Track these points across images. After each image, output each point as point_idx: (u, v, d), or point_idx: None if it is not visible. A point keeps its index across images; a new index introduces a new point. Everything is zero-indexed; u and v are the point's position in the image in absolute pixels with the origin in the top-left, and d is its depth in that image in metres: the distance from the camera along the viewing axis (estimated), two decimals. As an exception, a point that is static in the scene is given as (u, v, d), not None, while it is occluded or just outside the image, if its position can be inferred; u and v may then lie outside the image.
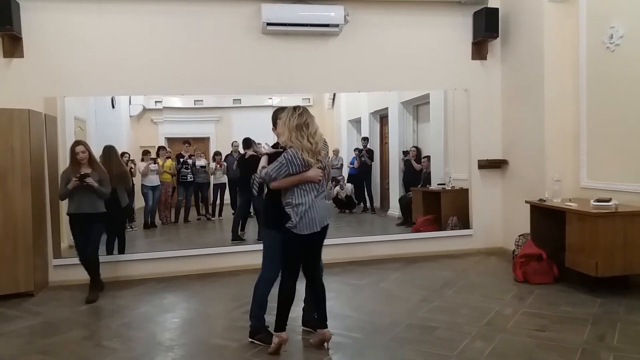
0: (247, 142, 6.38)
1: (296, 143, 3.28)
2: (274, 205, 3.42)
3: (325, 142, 3.47)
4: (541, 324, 3.81)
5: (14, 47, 5.28)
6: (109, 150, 5.49)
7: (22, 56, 5.32)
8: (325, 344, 3.48)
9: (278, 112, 3.57)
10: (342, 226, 7.45)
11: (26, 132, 4.91)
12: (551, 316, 3.99)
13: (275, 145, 3.58)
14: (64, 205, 5.57)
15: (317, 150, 3.34)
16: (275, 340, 3.37)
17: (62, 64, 5.42)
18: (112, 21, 5.54)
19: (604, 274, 4.36)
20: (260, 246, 3.59)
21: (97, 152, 6.24)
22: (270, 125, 3.72)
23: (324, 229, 3.41)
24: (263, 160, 3.45)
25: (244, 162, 6.31)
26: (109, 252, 5.65)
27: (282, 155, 3.29)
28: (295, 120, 3.30)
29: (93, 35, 5.50)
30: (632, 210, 4.43)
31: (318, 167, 3.34)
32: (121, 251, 5.72)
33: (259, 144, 6.39)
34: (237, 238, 6.29)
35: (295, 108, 3.37)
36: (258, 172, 3.40)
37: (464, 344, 3.46)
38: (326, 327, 3.49)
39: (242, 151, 6.75)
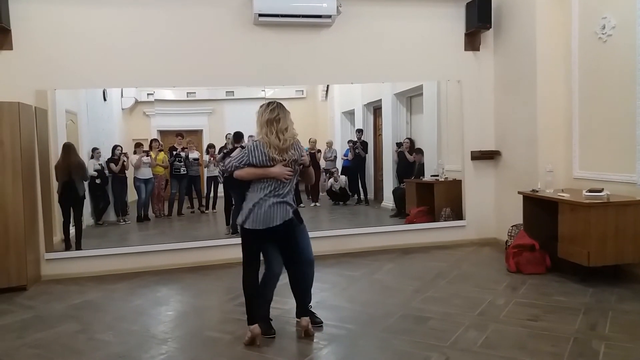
0: (238, 136, 6.34)
1: (265, 139, 3.31)
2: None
3: (299, 144, 3.44)
4: (534, 314, 3.83)
5: (3, 39, 5.21)
6: (67, 147, 5.70)
7: (11, 48, 5.25)
8: (306, 332, 3.51)
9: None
10: (336, 218, 7.47)
11: (16, 126, 4.86)
12: (544, 306, 4.01)
13: None
14: (55, 199, 5.57)
15: (285, 147, 3.33)
16: (247, 334, 3.41)
17: (52, 56, 5.36)
18: (102, 12, 5.48)
19: (595, 263, 4.38)
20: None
21: (89, 146, 6.31)
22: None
23: (280, 227, 3.38)
24: (236, 152, 3.47)
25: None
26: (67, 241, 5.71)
27: (246, 145, 3.34)
28: (267, 115, 3.33)
29: (83, 27, 5.44)
30: (624, 200, 4.45)
31: (284, 165, 3.34)
32: (77, 244, 5.69)
33: (250, 136, 6.37)
34: (237, 231, 6.26)
35: (269, 103, 3.40)
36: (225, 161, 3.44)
37: (457, 334, 3.48)
38: (306, 315, 3.56)
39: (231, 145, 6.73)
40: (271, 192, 3.34)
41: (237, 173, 3.38)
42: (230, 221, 6.33)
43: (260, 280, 3.52)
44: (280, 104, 3.42)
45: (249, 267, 3.45)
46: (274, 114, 3.33)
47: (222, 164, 3.52)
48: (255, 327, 3.40)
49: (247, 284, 3.45)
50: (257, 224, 3.33)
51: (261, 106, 3.45)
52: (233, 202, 6.35)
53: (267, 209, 3.33)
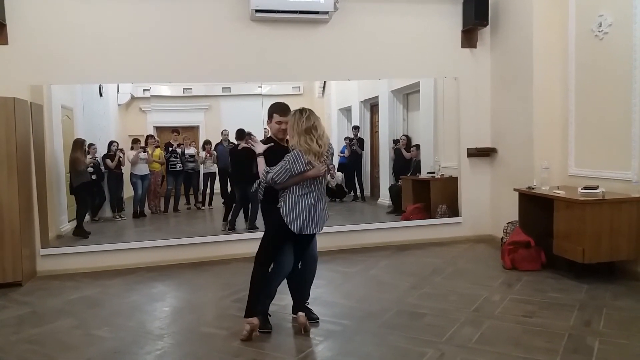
0: (241, 133, 6.33)
1: (304, 146, 3.36)
2: None
3: (330, 144, 3.57)
4: (529, 310, 3.85)
5: (-2, 33, 5.19)
6: (72, 142, 6.02)
7: (6, 43, 5.22)
8: (304, 328, 3.52)
9: (274, 107, 3.64)
10: (332, 215, 7.43)
11: (12, 121, 4.84)
12: (539, 302, 4.03)
13: (264, 141, 3.63)
14: (51, 194, 5.55)
15: (323, 152, 3.42)
16: (245, 328, 3.42)
17: (47, 51, 5.33)
18: (98, 7, 5.45)
19: (590, 260, 4.40)
20: (251, 235, 3.60)
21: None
22: (260, 114, 3.72)
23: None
24: (261, 163, 3.44)
25: (237, 154, 6.27)
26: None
27: (286, 157, 3.36)
28: (304, 124, 3.38)
29: (79, 22, 5.41)
30: (619, 198, 4.47)
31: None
32: (76, 231, 5.95)
33: (249, 133, 6.35)
34: (233, 228, 6.25)
35: (301, 111, 3.44)
36: (261, 177, 3.41)
37: (453, 330, 3.49)
38: (303, 311, 3.59)
39: (233, 141, 6.71)
40: (312, 193, 3.44)
41: (279, 186, 3.43)
42: (230, 217, 6.32)
43: (267, 276, 3.54)
44: (312, 111, 3.47)
45: (265, 265, 3.48)
46: (310, 121, 3.39)
47: (256, 183, 3.51)
48: (254, 319, 3.42)
49: (258, 278, 3.47)
50: (314, 229, 3.47)
51: (293, 114, 3.46)
52: (236, 200, 6.37)
53: (319, 211, 3.49)
